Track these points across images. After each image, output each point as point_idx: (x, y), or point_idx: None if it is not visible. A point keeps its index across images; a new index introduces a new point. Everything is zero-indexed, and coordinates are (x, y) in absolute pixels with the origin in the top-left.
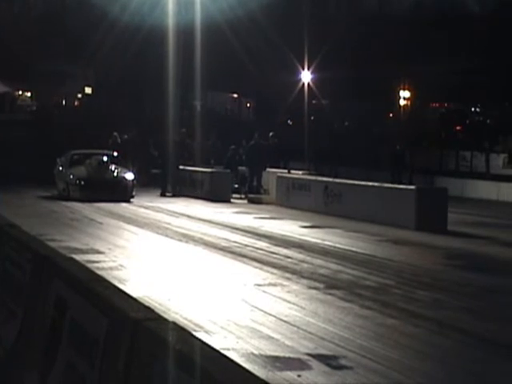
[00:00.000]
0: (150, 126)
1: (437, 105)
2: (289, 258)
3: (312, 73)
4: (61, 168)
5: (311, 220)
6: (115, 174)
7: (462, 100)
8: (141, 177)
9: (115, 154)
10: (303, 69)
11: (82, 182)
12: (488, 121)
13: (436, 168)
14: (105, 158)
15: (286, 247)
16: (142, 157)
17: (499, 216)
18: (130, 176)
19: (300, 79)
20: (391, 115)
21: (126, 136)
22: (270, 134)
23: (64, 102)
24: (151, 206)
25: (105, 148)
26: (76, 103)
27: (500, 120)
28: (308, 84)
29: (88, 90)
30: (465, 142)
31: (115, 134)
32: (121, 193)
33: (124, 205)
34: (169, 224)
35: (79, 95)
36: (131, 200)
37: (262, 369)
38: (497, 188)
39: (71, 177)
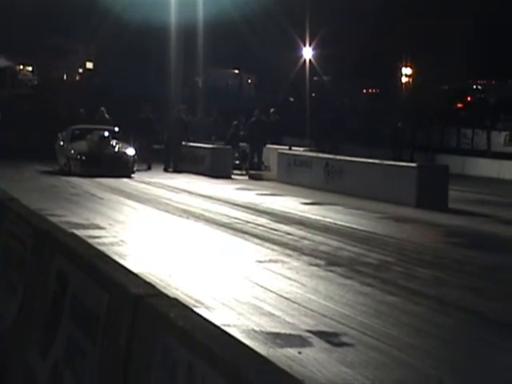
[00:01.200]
0: (153, 102)
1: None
2: (289, 234)
3: (314, 49)
4: (62, 143)
5: (312, 197)
6: (116, 149)
7: (464, 77)
8: (141, 152)
9: (116, 129)
10: (305, 45)
11: (83, 157)
12: (492, 99)
13: (437, 145)
14: (106, 134)
15: (286, 224)
16: (146, 133)
17: (500, 194)
18: (131, 151)
19: (301, 55)
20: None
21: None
22: (271, 110)
23: (65, 77)
24: (152, 182)
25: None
26: (77, 78)
27: (501, 97)
28: (310, 60)
29: (89, 65)
30: (466, 120)
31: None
32: (122, 168)
33: (125, 180)
34: (169, 200)
35: (80, 70)
36: (132, 175)
37: (263, 345)
38: (498, 166)
39: (72, 152)
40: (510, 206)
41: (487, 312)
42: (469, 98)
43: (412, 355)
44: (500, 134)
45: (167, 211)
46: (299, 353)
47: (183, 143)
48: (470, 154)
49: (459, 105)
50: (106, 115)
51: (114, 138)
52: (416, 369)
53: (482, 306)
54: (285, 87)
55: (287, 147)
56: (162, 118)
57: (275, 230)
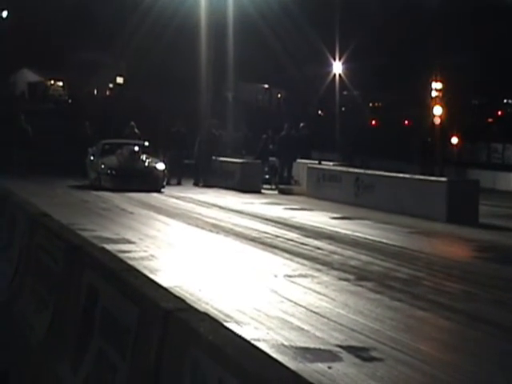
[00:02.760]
0: (185, 115)
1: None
2: (319, 249)
3: (343, 64)
4: (92, 158)
5: (342, 211)
6: (146, 163)
7: (494, 92)
8: (172, 167)
9: (146, 143)
10: (334, 60)
11: (113, 172)
12: None
13: (468, 160)
14: (136, 148)
15: (316, 238)
16: (177, 147)
17: None
18: (161, 166)
19: (331, 70)
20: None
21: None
22: (301, 124)
23: (96, 92)
24: (182, 197)
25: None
26: (107, 93)
27: None
28: (339, 75)
29: (120, 80)
30: (497, 134)
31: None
32: (152, 183)
33: (155, 195)
34: (199, 214)
35: (110, 85)
36: (162, 190)
37: (293, 360)
38: None
39: (102, 166)
40: None
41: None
42: (499, 113)
43: (442, 370)
44: None
45: (197, 226)
46: (329, 367)
47: (213, 158)
48: (500, 169)
49: (490, 119)
50: (136, 130)
51: (143, 153)
52: (445, 383)
53: (510, 320)
54: (314, 102)
55: (317, 162)
56: (192, 132)
57: (305, 244)
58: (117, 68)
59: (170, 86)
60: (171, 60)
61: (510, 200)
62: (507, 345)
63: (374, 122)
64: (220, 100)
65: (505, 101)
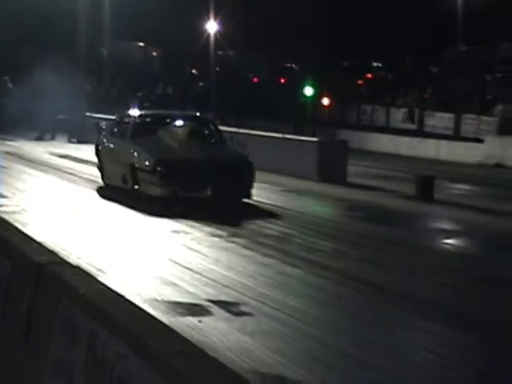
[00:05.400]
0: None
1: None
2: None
3: (219, 23)
4: (108, 142)
5: None
6: (226, 149)
7: (365, 55)
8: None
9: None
10: (209, 18)
11: (167, 169)
12: (389, 76)
13: (338, 121)
14: (197, 125)
15: None
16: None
17: (398, 169)
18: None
19: (206, 29)
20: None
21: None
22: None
23: None
24: (56, 152)
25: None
26: None
27: (401, 75)
28: (215, 34)
29: None
30: (366, 96)
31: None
32: (244, 184)
33: (28, 149)
34: (73, 170)
35: None
36: (36, 145)
37: (164, 314)
38: (396, 142)
39: (145, 161)
40: (407, 181)
41: (385, 284)
42: (369, 76)
43: (314, 326)
44: (399, 111)
45: (71, 181)
46: (199, 321)
47: (87, 114)
48: (369, 130)
49: (360, 82)
50: (10, 84)
51: (210, 131)
52: (317, 339)
53: (381, 279)
54: (190, 61)
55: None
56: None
57: None
58: None
59: (46, 41)
60: (49, 16)
61: (378, 160)
62: (380, 303)
63: (255, 80)
64: (95, 56)
65: (374, 64)
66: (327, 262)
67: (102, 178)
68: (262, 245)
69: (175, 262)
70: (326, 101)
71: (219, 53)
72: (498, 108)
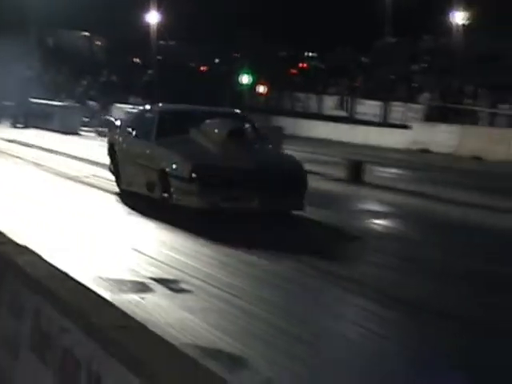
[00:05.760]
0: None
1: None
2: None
3: (161, 13)
4: (125, 143)
5: None
6: (275, 153)
7: (298, 45)
8: None
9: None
10: (151, 9)
11: (203, 177)
12: (323, 65)
13: (274, 108)
14: (242, 123)
15: None
16: None
17: (330, 154)
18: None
19: (148, 20)
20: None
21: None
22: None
23: None
24: (1, 137)
25: None
26: None
27: (333, 65)
28: (157, 24)
29: None
30: (300, 85)
31: None
32: (297, 194)
33: None
34: (19, 153)
35: None
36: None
37: (108, 291)
38: (328, 128)
39: (176, 166)
40: (338, 165)
41: (317, 263)
42: (304, 65)
43: (253, 303)
44: (331, 99)
45: (17, 163)
46: (142, 298)
47: (32, 100)
48: (302, 117)
49: (294, 71)
50: None
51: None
52: (255, 315)
53: (314, 258)
54: (133, 51)
55: (132, 106)
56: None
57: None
58: None
59: None
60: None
61: (311, 145)
62: (314, 281)
63: (203, 69)
64: (41, 45)
65: (306, 54)
66: (265, 241)
67: (118, 183)
68: None
69: (124, 244)
70: (261, 88)
71: (161, 42)
72: (424, 96)
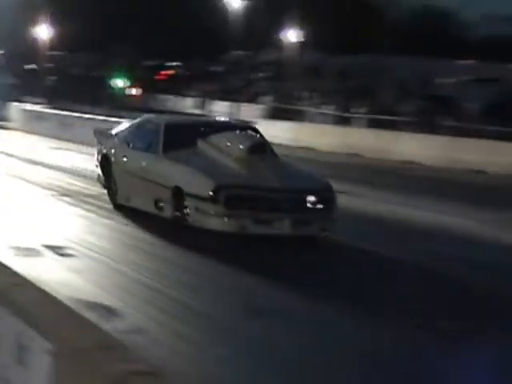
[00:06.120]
0: None
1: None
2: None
3: (53, 27)
4: (133, 152)
5: (56, 143)
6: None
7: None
8: None
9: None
10: (43, 23)
11: (229, 197)
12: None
13: (147, 107)
14: (261, 137)
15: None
16: None
17: None
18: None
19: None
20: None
21: None
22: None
23: None
24: None
25: None
26: None
27: (193, 72)
28: (49, 36)
29: None
30: (165, 88)
31: None
32: (326, 216)
33: None
34: None
35: None
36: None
37: (4, 256)
38: None
39: (200, 184)
40: None
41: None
42: (173, 72)
43: (125, 264)
44: (191, 100)
45: None
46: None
47: None
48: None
49: (162, 76)
50: None
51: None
52: (127, 275)
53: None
54: (28, 59)
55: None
56: None
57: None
58: None
59: None
60: None
61: None
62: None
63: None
64: None
65: (172, 64)
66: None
67: (112, 197)
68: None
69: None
70: (134, 91)
71: (53, 53)
72: (265, 98)
